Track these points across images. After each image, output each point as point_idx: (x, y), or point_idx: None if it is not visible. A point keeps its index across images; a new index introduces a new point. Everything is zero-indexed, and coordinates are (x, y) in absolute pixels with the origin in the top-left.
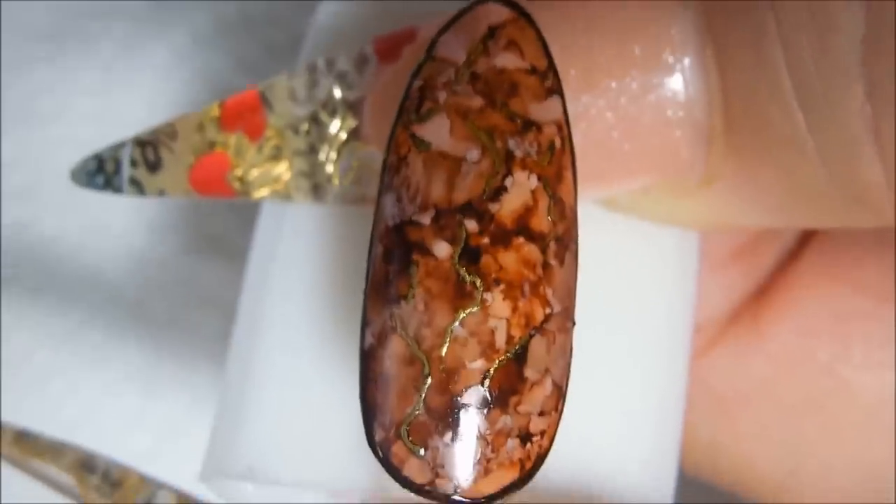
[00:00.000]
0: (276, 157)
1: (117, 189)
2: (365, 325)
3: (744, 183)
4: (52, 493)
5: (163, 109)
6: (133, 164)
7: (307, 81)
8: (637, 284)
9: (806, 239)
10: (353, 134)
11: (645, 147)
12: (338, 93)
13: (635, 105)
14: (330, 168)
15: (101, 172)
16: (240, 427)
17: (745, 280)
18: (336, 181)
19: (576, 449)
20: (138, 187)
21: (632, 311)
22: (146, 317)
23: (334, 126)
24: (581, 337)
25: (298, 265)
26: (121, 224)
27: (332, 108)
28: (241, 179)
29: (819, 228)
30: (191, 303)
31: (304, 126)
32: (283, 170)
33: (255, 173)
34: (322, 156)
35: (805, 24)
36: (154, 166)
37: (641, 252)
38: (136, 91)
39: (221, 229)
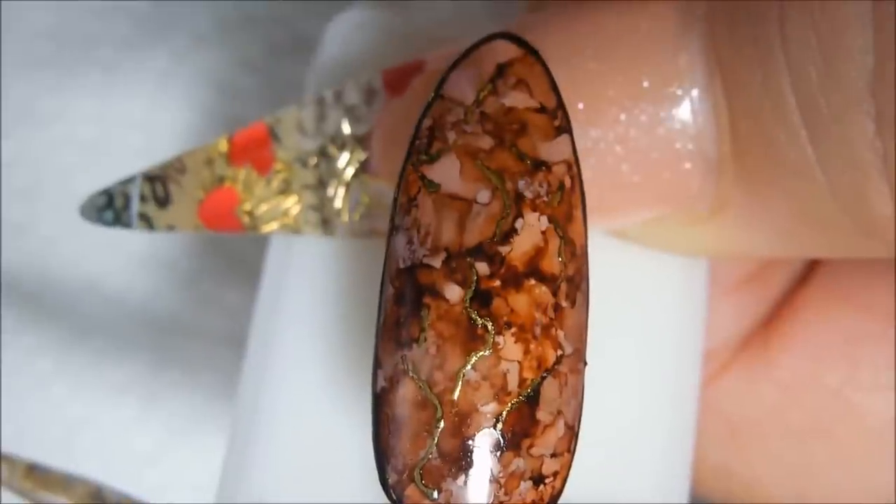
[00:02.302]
0: (284, 190)
1: (126, 224)
2: (377, 367)
3: (753, 212)
4: None
5: (164, 109)
6: (142, 199)
7: (315, 114)
8: (646, 311)
9: (814, 263)
10: (362, 167)
11: (654, 179)
12: (346, 127)
13: (645, 138)
14: (339, 202)
15: (110, 208)
16: (249, 460)
17: (756, 306)
18: (345, 216)
19: (586, 477)
20: (148, 222)
21: (641, 339)
22: (148, 320)
23: (343, 160)
24: (590, 364)
25: (308, 298)
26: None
27: (340, 141)
28: (250, 214)
29: (829, 258)
30: (193, 306)
31: (313, 160)
32: (291, 203)
33: (263, 207)
34: (331, 190)
35: (813, 52)
36: (163, 202)
37: (650, 278)
38: (137, 91)
39: None
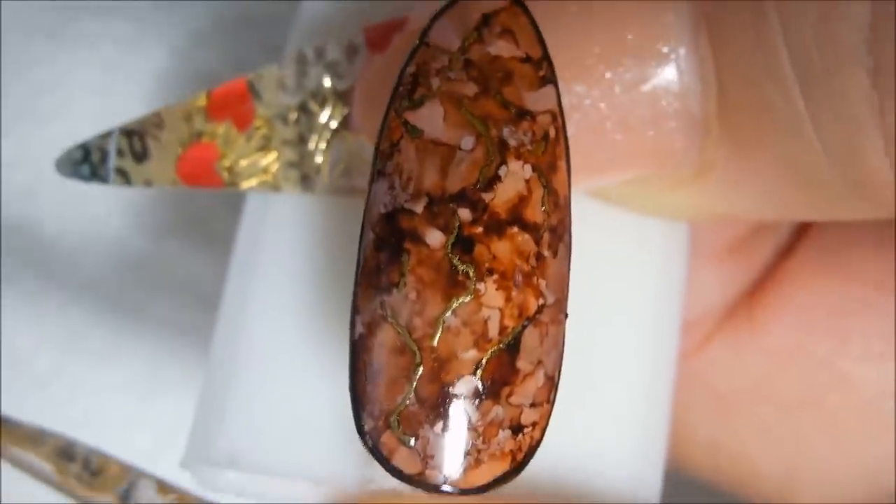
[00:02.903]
0: (264, 147)
1: (103, 179)
2: (355, 314)
3: (740, 171)
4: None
5: None
6: (119, 153)
7: (296, 71)
8: (622, 277)
9: (801, 231)
10: (343, 123)
11: (639, 138)
12: (327, 82)
13: (629, 95)
14: (319, 158)
15: (86, 162)
16: (222, 414)
17: (741, 274)
18: (325, 172)
19: (559, 444)
20: (124, 177)
21: (616, 305)
22: (148, 318)
23: (324, 115)
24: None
25: (284, 253)
26: (122, 225)
27: (321, 97)
28: (230, 170)
29: (816, 220)
30: (193, 304)
31: (293, 115)
32: (271, 160)
33: (243, 163)
34: (311, 145)
35: (808, 6)
36: (141, 156)
37: (628, 241)
38: (136, 91)
39: (223, 230)
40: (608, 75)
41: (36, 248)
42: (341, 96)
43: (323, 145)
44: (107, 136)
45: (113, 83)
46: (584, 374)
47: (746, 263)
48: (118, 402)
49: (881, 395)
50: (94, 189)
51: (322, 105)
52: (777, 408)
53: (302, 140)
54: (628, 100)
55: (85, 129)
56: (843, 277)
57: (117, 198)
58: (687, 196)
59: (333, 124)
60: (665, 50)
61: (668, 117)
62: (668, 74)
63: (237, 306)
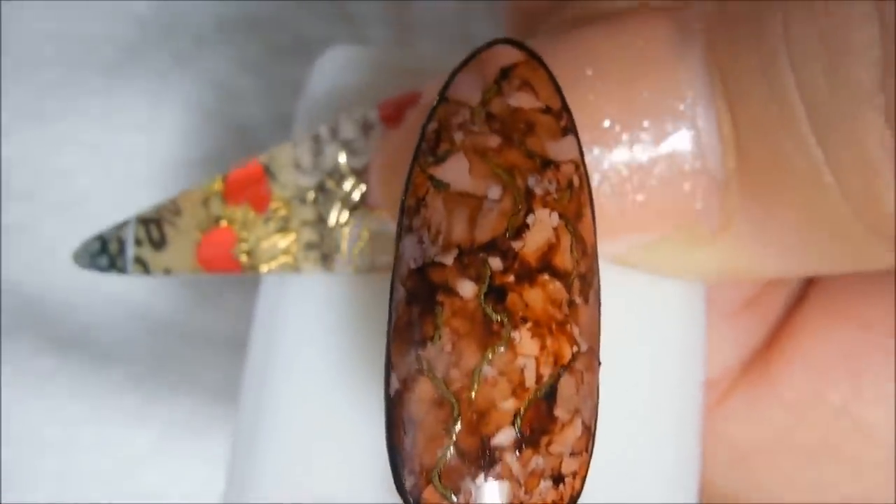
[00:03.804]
0: (283, 228)
1: (122, 269)
2: (389, 369)
3: (760, 226)
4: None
5: (165, 110)
6: (137, 242)
7: (311, 150)
8: (645, 339)
9: (810, 282)
10: (362, 200)
11: (658, 199)
12: (343, 160)
13: (647, 156)
14: (339, 237)
15: (104, 253)
16: (253, 486)
17: (756, 329)
18: (345, 250)
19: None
20: (143, 266)
21: (641, 366)
22: (148, 320)
23: (342, 193)
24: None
25: (306, 322)
26: None
27: (338, 175)
28: (249, 253)
29: (839, 273)
30: (193, 307)
31: (311, 195)
32: (290, 241)
33: (262, 246)
34: (331, 223)
35: (817, 50)
36: (159, 244)
37: (649, 304)
38: (138, 92)
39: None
40: (625, 137)
41: (36, 248)
42: (358, 174)
43: (344, 219)
44: (123, 225)
45: (114, 84)
46: (614, 428)
47: (760, 317)
48: (118, 402)
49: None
50: (92, 191)
51: (339, 183)
52: (797, 458)
53: (321, 219)
54: (647, 161)
55: (87, 130)
56: (854, 323)
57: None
58: (707, 255)
59: (352, 202)
60: (681, 108)
61: (687, 177)
62: (685, 133)
63: (260, 379)
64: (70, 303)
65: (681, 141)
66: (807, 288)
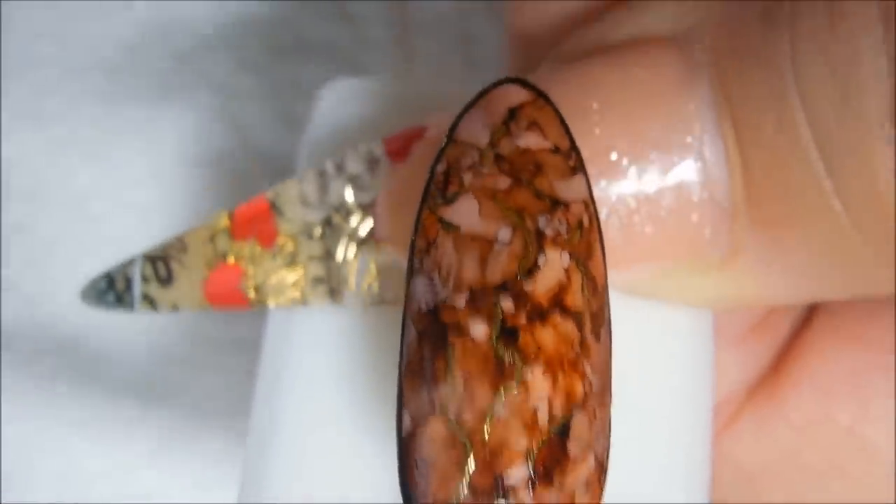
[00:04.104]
0: (290, 263)
1: (129, 306)
2: (401, 409)
3: (770, 254)
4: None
5: (165, 110)
6: (144, 279)
7: (317, 186)
8: (654, 365)
9: (814, 304)
10: (369, 235)
11: (667, 230)
12: (349, 195)
13: (655, 187)
14: (347, 269)
15: (111, 290)
16: None
17: (763, 353)
18: (352, 284)
19: None
20: (151, 303)
21: (650, 392)
22: (148, 320)
23: (349, 228)
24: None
25: (315, 365)
26: (124, 227)
27: (345, 210)
28: (257, 288)
29: (848, 299)
30: None
31: (318, 230)
32: (298, 276)
33: (270, 281)
34: (338, 258)
35: (827, 82)
36: (166, 281)
37: (656, 332)
38: (138, 92)
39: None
40: (633, 169)
41: (36, 248)
42: (365, 209)
43: (351, 258)
44: (130, 263)
45: (115, 86)
46: (623, 454)
47: (766, 341)
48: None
49: None
50: (92, 193)
51: (346, 218)
52: (805, 479)
53: (328, 254)
54: (655, 192)
55: (87, 131)
56: (859, 344)
57: (118, 214)
58: (716, 283)
59: (359, 237)
60: (689, 140)
61: (695, 207)
62: (693, 164)
63: (269, 413)
64: (70, 303)
65: (688, 172)
66: (811, 310)
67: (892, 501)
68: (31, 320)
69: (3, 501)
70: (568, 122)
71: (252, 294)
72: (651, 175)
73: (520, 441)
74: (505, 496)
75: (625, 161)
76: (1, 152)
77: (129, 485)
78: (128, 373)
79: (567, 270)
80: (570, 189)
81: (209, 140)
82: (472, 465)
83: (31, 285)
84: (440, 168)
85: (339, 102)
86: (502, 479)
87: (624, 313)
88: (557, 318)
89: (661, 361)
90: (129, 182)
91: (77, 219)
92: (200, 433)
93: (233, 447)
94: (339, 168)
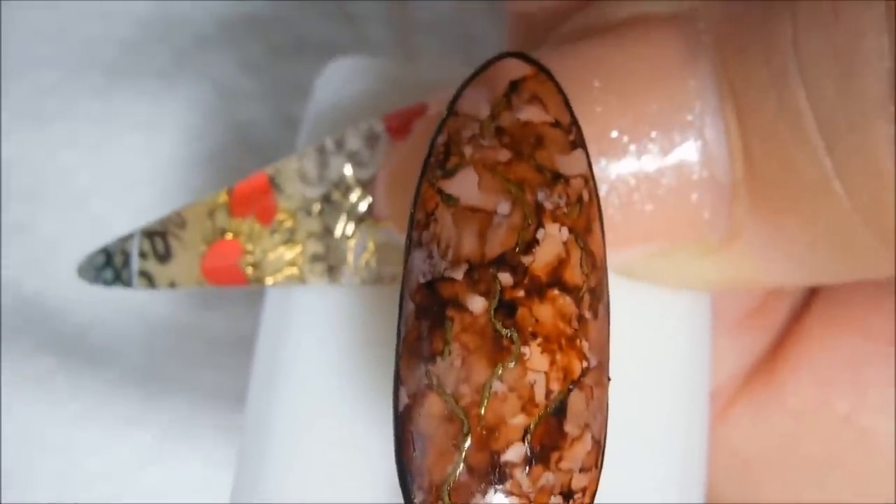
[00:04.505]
0: (289, 240)
1: (126, 283)
2: (398, 385)
3: (769, 236)
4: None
5: (165, 110)
6: (142, 255)
7: (317, 162)
8: (651, 349)
9: (814, 290)
10: (368, 212)
11: (667, 208)
12: (349, 171)
13: (655, 166)
14: (345, 248)
15: (109, 266)
16: (259, 492)
17: (760, 339)
18: (351, 262)
19: None
20: (149, 279)
21: (647, 376)
22: (149, 319)
23: (348, 205)
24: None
25: (311, 334)
26: (124, 226)
27: (344, 187)
28: (255, 265)
29: (847, 282)
30: (193, 306)
31: (317, 207)
32: (296, 253)
33: (268, 258)
34: (337, 235)
35: (829, 61)
36: (164, 257)
37: (654, 317)
38: (138, 92)
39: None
40: (633, 147)
41: (36, 248)
42: (364, 185)
43: (349, 234)
44: (128, 238)
45: (114, 84)
46: (621, 441)
47: (764, 327)
48: (117, 401)
49: None
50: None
51: (345, 195)
52: (801, 467)
53: (327, 231)
54: (655, 171)
55: (86, 130)
56: (858, 332)
57: (119, 214)
58: (715, 264)
59: (358, 213)
60: (690, 118)
61: (695, 186)
62: (694, 143)
63: (266, 391)
64: (70, 302)
65: (689, 151)
66: (810, 297)
67: (890, 489)
68: (31, 319)
69: (2, 500)
70: (569, 100)
71: (250, 271)
72: (651, 153)
73: (517, 418)
74: (501, 477)
75: (625, 139)
76: (1, 152)
77: (129, 484)
78: (127, 371)
79: (566, 245)
80: (570, 163)
81: (209, 140)
82: (468, 441)
83: (31, 285)
84: (440, 140)
85: (340, 80)
86: (499, 458)
87: (622, 295)
88: (556, 293)
89: (658, 344)
90: (129, 182)
91: (77, 219)
92: (200, 431)
93: (233, 445)
94: (339, 144)
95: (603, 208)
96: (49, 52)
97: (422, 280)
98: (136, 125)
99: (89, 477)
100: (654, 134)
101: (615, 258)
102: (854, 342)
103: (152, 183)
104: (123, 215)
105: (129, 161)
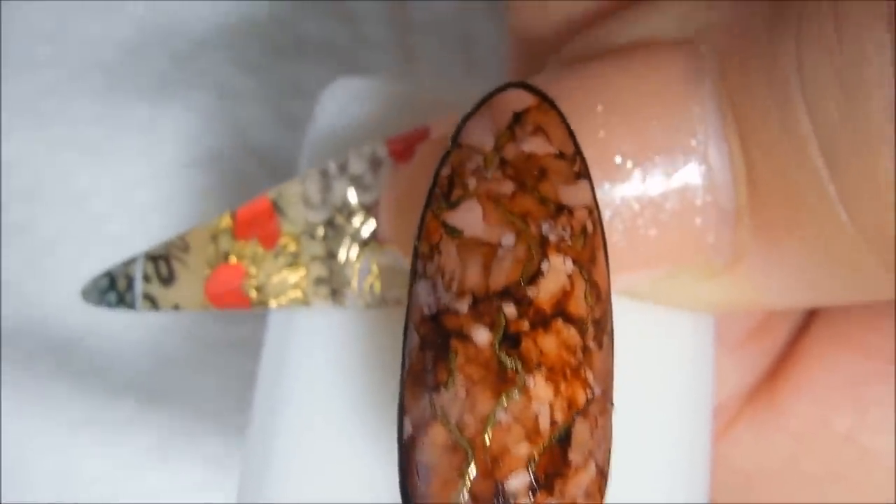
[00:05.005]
0: (293, 263)
1: (130, 305)
2: (402, 414)
3: (772, 260)
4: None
5: (164, 111)
6: (146, 279)
7: (320, 186)
8: (655, 369)
9: (813, 310)
10: (372, 236)
11: (670, 233)
12: (353, 196)
13: (659, 191)
14: (349, 272)
15: (112, 290)
16: None
17: (761, 358)
18: (355, 285)
19: None
20: (152, 302)
21: (651, 396)
22: (148, 321)
23: (352, 228)
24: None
25: (315, 366)
26: (123, 227)
27: (347, 211)
28: (258, 289)
29: (851, 304)
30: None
31: (321, 231)
32: (300, 277)
33: (272, 281)
34: (341, 259)
35: (832, 86)
36: (168, 280)
37: (658, 338)
38: (137, 93)
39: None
40: (637, 172)
41: (36, 248)
42: (367, 209)
43: (353, 258)
44: (132, 262)
45: (113, 85)
46: (626, 460)
47: (765, 347)
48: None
49: None
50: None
51: (349, 218)
52: (802, 485)
53: (330, 255)
54: (659, 195)
55: (85, 130)
56: (857, 350)
57: (118, 210)
58: (718, 287)
59: (362, 237)
60: (693, 143)
61: (699, 211)
62: (697, 167)
63: (269, 414)
64: (69, 303)
65: (692, 175)
66: (810, 317)
67: None
68: (31, 320)
69: (2, 501)
70: (572, 123)
71: (254, 294)
72: (655, 178)
73: (521, 448)
74: (504, 502)
75: (629, 164)
76: (1, 152)
77: (129, 485)
78: (127, 373)
79: (570, 277)
80: (574, 194)
81: (209, 140)
82: (472, 471)
83: (31, 285)
84: (444, 172)
85: (341, 102)
86: (503, 486)
87: (625, 316)
88: (560, 324)
89: (662, 364)
90: (129, 182)
91: (77, 219)
92: (200, 434)
93: (232, 448)
94: (342, 168)
95: (607, 233)
96: (49, 53)
97: (426, 312)
98: (136, 126)
99: (89, 479)
100: (657, 159)
101: (620, 282)
102: (854, 361)
103: (152, 183)
104: (123, 216)
105: (128, 161)
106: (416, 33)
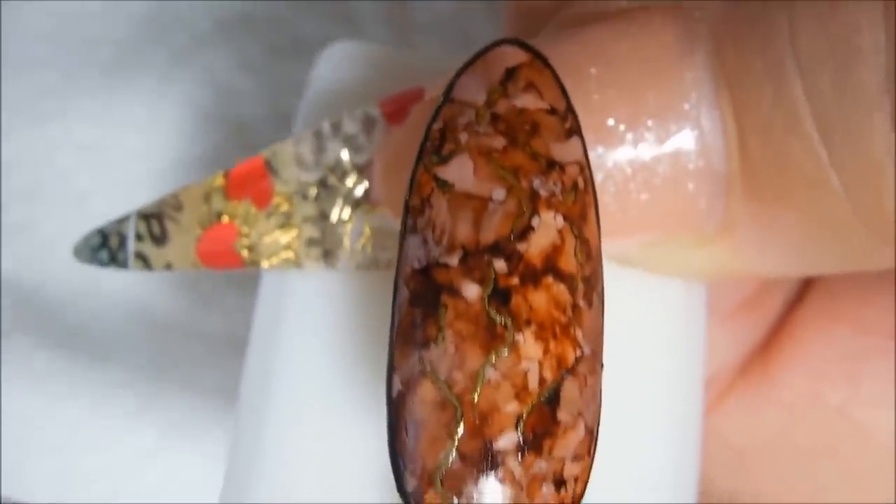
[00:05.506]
0: (285, 224)
1: (122, 264)
2: (391, 371)
3: (764, 227)
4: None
5: (164, 110)
6: (138, 237)
7: (313, 146)
8: (646, 337)
9: (808, 281)
10: (365, 196)
11: (662, 198)
12: (346, 156)
13: (652, 155)
14: (341, 233)
15: (104, 247)
16: (252, 486)
17: (754, 330)
18: (347, 246)
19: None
20: (144, 261)
21: (641, 365)
22: (147, 319)
23: (345, 188)
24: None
25: (309, 326)
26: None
27: (340, 171)
28: (251, 248)
29: (842, 272)
30: (192, 306)
31: (314, 191)
32: (292, 237)
33: (264, 241)
34: (333, 219)
35: (825, 54)
36: (160, 239)
37: (649, 306)
38: (136, 92)
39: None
40: (630, 136)
41: (36, 248)
42: (361, 169)
43: (345, 219)
44: (124, 220)
45: (112, 84)
46: (615, 430)
47: (758, 318)
48: (117, 401)
49: (892, 439)
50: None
51: (342, 179)
52: (794, 458)
53: (323, 216)
54: (651, 159)
55: (85, 130)
56: (852, 324)
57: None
58: (710, 255)
59: (354, 198)
60: (686, 108)
61: (691, 176)
62: (690, 133)
63: (260, 377)
64: (69, 301)
65: (685, 140)
66: (805, 289)
67: (882, 481)
68: (30, 319)
69: (2, 501)
70: (566, 87)
71: (245, 254)
72: (648, 142)
73: (510, 406)
74: (494, 464)
75: (621, 128)
76: (1, 152)
77: (129, 483)
78: (127, 370)
79: (561, 233)
80: (565, 151)
81: (208, 140)
82: (461, 428)
83: (30, 285)
84: (436, 127)
85: (337, 65)
86: (491, 445)
87: (617, 282)
88: (550, 280)
89: (652, 331)
90: (129, 182)
91: (77, 219)
92: (200, 430)
93: None
94: (336, 129)
95: (599, 197)
96: (49, 52)
97: (416, 266)
98: (135, 125)
99: (89, 475)
100: (650, 123)
101: (611, 248)
102: (848, 335)
103: (151, 183)
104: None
105: (128, 161)
106: (416, 33)
